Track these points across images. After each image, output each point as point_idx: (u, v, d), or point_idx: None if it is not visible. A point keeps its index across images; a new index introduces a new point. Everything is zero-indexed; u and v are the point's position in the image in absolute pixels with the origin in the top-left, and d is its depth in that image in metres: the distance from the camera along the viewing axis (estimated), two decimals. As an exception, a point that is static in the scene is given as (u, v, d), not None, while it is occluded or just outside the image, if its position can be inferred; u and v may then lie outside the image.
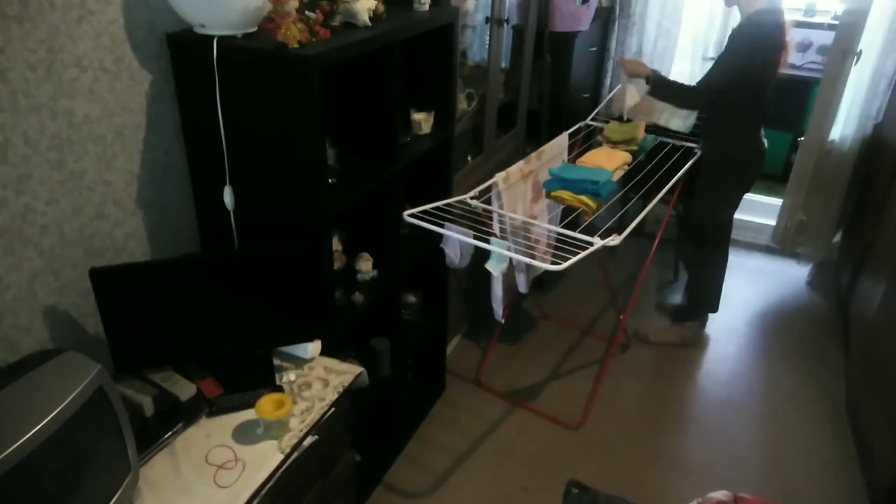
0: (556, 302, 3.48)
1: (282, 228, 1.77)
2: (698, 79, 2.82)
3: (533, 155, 2.43)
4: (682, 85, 2.78)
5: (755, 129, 2.75)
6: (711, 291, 3.15)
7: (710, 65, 2.74)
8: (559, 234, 2.08)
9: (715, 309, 3.21)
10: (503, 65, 3.02)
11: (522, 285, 2.57)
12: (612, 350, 3.03)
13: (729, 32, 2.70)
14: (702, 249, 3.05)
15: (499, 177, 2.22)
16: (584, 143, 3.07)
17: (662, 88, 2.77)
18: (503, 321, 2.54)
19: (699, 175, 2.88)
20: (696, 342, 3.21)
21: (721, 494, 2.00)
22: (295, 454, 1.57)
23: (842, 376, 3.02)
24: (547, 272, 2.73)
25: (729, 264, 3.10)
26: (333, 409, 1.70)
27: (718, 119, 2.77)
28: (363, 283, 2.15)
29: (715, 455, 2.62)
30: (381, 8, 1.86)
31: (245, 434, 1.59)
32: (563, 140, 2.66)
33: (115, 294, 1.55)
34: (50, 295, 1.56)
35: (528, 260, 2.02)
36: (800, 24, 4.34)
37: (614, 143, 2.68)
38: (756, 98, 2.66)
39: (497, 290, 2.32)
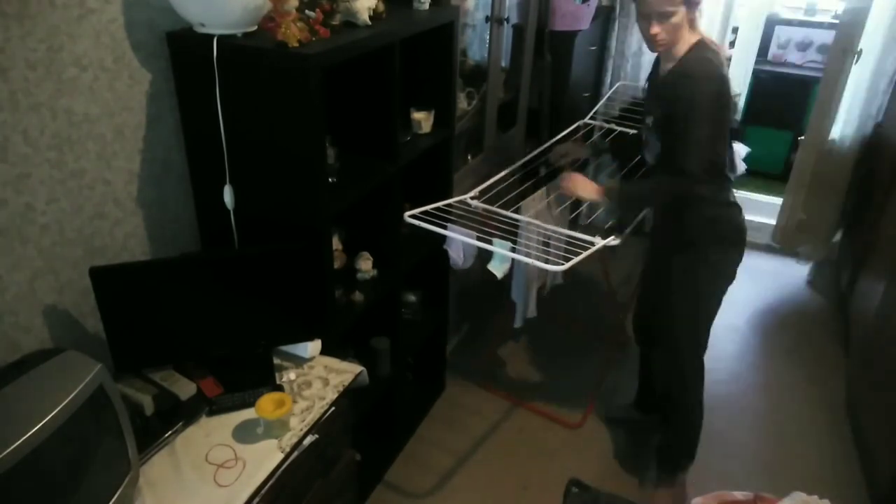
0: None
1: (282, 227, 1.77)
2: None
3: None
4: (649, 184, 2.10)
5: (729, 192, 2.09)
6: (696, 424, 2.34)
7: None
8: (559, 234, 2.08)
9: (693, 455, 2.40)
10: (503, 64, 3.01)
11: (532, 309, 2.58)
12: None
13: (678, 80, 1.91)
14: (681, 367, 2.24)
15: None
16: (584, 142, 3.07)
17: (629, 201, 2.15)
18: (520, 325, 2.58)
19: (663, 269, 2.18)
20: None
21: (741, 494, 2.00)
22: (295, 453, 1.57)
23: (842, 376, 3.02)
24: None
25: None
26: (333, 408, 1.70)
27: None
28: (363, 282, 2.14)
29: (714, 454, 2.62)
30: (381, 7, 1.85)
31: (245, 433, 1.59)
32: None
33: (115, 293, 1.55)
34: (50, 294, 1.56)
35: (528, 260, 2.02)
36: (800, 23, 4.34)
37: None
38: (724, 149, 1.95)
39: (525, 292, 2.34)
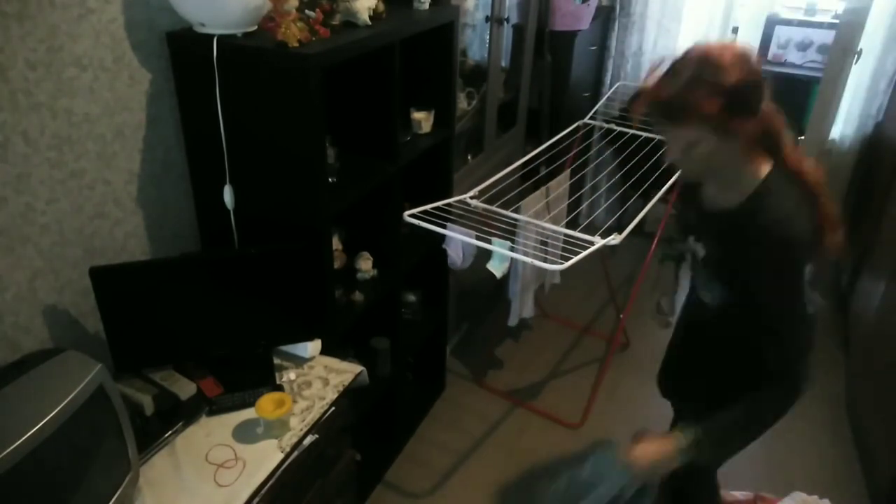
0: (555, 301, 3.48)
1: (282, 227, 1.77)
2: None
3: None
4: (740, 410, 1.43)
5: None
6: None
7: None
8: (559, 233, 2.08)
9: None
10: (503, 64, 3.02)
11: (529, 309, 2.57)
12: (612, 349, 3.03)
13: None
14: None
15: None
16: (583, 142, 3.07)
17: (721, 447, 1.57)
18: (514, 324, 2.56)
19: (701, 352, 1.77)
20: None
21: (741, 494, 1.99)
22: (295, 453, 1.57)
23: (842, 376, 3.02)
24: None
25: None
26: (333, 408, 1.70)
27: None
28: (363, 282, 2.14)
29: (715, 454, 2.62)
30: (381, 7, 1.85)
31: (245, 433, 1.59)
32: (563, 179, 2.68)
33: (115, 293, 1.55)
34: (50, 294, 1.56)
35: (528, 260, 2.02)
36: (800, 23, 4.33)
37: None
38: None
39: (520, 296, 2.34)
